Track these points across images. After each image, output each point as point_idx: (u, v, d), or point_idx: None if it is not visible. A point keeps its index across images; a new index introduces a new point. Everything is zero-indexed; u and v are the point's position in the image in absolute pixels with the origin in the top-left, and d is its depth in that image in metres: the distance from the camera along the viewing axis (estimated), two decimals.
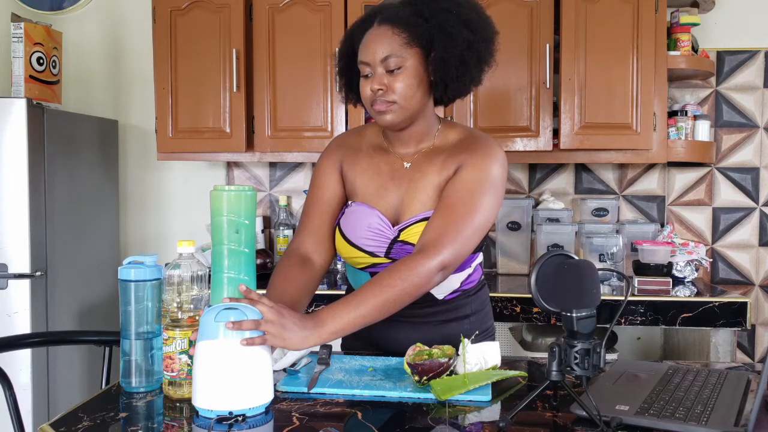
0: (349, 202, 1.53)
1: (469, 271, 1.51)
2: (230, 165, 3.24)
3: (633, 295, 2.44)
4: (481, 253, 1.56)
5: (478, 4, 1.45)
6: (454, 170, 1.44)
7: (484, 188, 1.41)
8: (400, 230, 1.45)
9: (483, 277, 1.62)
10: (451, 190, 1.41)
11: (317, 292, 1.57)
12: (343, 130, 2.77)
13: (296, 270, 1.46)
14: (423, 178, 1.47)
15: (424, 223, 1.42)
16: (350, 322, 1.25)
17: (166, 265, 1.26)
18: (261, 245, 3.14)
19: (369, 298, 1.27)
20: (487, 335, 1.60)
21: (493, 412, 1.18)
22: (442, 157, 1.47)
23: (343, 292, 1.66)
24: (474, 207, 1.39)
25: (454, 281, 1.49)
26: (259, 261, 2.88)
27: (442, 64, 1.38)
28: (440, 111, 2.70)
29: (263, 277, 2.79)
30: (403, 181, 1.48)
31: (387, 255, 1.46)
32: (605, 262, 2.70)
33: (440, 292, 1.50)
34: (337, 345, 1.61)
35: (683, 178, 3.03)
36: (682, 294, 2.48)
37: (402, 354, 1.40)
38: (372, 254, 1.47)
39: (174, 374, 1.22)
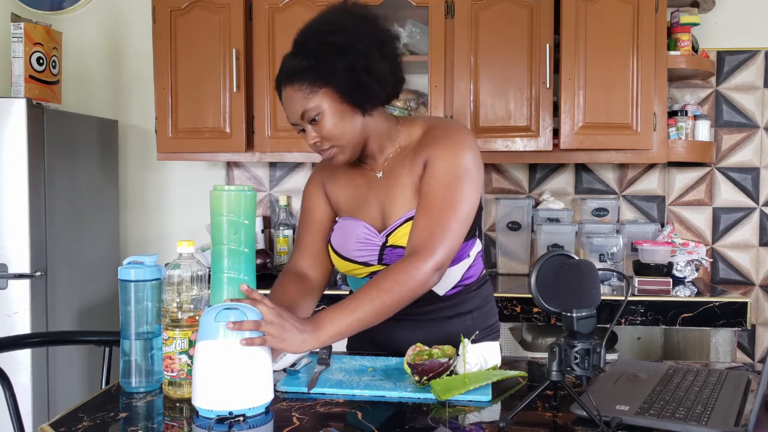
0: (337, 218, 1.56)
1: (468, 261, 1.51)
2: (230, 165, 3.24)
3: (633, 295, 2.44)
4: (479, 241, 1.55)
5: (348, 13, 1.41)
6: (423, 166, 1.44)
7: (459, 178, 1.40)
8: (387, 235, 1.47)
9: (485, 272, 1.62)
10: (426, 187, 1.42)
11: None
12: None
13: (293, 285, 1.50)
14: (397, 183, 1.48)
15: (407, 224, 1.44)
16: (348, 325, 1.26)
17: (166, 265, 1.26)
18: (261, 245, 3.14)
19: (366, 302, 1.28)
20: (491, 332, 1.61)
21: (493, 412, 1.18)
22: (410, 156, 1.47)
23: (343, 293, 1.67)
24: (454, 199, 1.39)
25: (455, 274, 1.50)
26: (259, 261, 2.88)
27: (346, 93, 1.38)
28: (440, 111, 2.71)
29: (263, 277, 2.80)
30: (380, 189, 1.50)
31: (380, 262, 1.47)
32: (605, 262, 2.70)
33: (441, 288, 1.50)
34: (341, 345, 1.62)
35: (683, 178, 3.03)
36: (682, 294, 2.48)
37: (405, 353, 1.40)
38: (365, 264, 1.48)
39: (174, 374, 1.22)
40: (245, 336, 1.13)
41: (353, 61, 1.36)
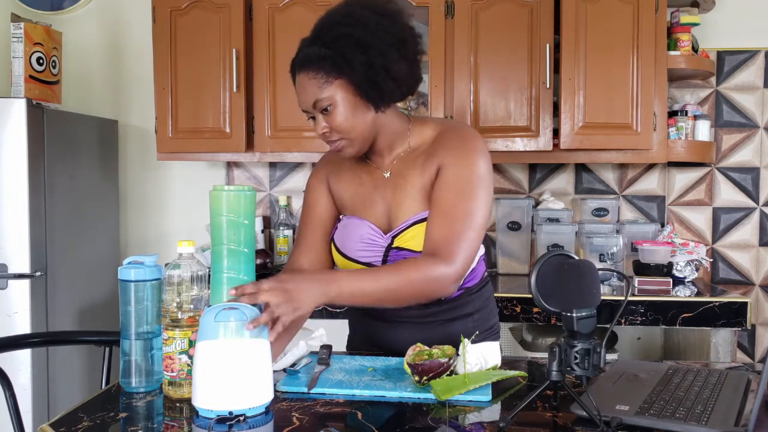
0: (341, 216, 1.55)
1: (472, 265, 1.51)
2: (230, 165, 3.24)
3: (633, 295, 2.43)
4: (482, 246, 1.56)
5: (370, 8, 1.39)
6: (436, 170, 1.43)
7: (475, 186, 1.40)
8: (393, 237, 1.45)
9: (486, 273, 1.61)
10: (440, 192, 1.41)
11: None
12: None
13: None
14: (405, 184, 1.46)
15: (416, 227, 1.43)
16: (360, 292, 1.27)
17: (166, 265, 1.26)
18: (261, 245, 3.14)
19: (386, 282, 1.29)
20: (491, 333, 1.60)
21: (493, 412, 1.18)
22: (421, 158, 1.46)
23: None
24: (471, 207, 1.38)
25: None
26: (258, 261, 2.88)
27: (360, 87, 1.37)
28: (440, 111, 2.71)
29: (263, 277, 2.80)
30: (387, 189, 1.49)
31: (384, 263, 1.46)
32: (605, 262, 2.70)
33: None
34: (340, 345, 1.62)
35: (683, 178, 3.03)
36: (682, 294, 2.48)
37: (405, 353, 1.40)
38: (369, 265, 1.47)
39: (174, 374, 1.22)
40: (264, 335, 1.14)
41: (371, 57, 1.34)
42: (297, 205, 3.20)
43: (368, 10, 1.38)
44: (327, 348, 1.44)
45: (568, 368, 1.12)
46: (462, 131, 1.47)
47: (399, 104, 2.90)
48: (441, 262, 1.33)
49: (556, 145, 2.69)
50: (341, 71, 1.35)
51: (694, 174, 3.03)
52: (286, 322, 1.21)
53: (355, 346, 1.63)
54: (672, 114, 2.81)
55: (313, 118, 1.41)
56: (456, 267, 1.34)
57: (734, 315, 2.39)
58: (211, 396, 1.11)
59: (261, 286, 1.19)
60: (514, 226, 2.97)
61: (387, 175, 1.49)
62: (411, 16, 1.46)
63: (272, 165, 3.22)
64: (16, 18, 2.70)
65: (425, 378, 1.24)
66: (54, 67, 2.82)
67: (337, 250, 1.51)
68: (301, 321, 1.43)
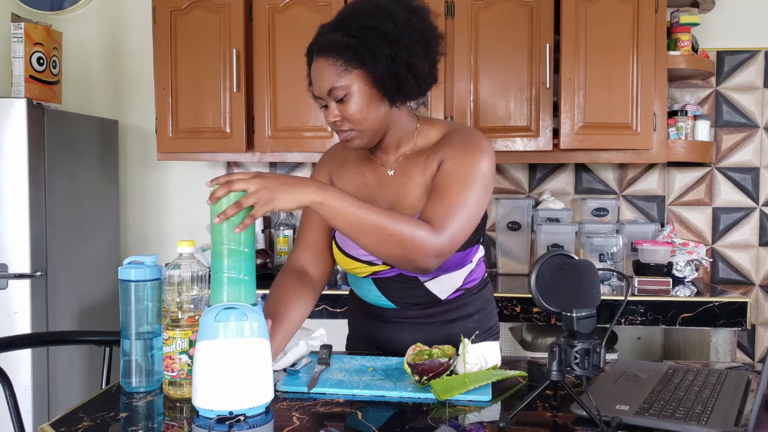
0: None
1: (471, 266, 1.51)
2: (230, 165, 3.24)
3: (633, 295, 2.44)
4: (482, 247, 1.55)
5: (400, 5, 1.38)
6: (437, 166, 1.42)
7: (474, 178, 1.38)
8: None
9: (486, 275, 1.61)
10: (440, 181, 1.39)
11: None
12: None
13: (293, 282, 1.47)
14: (409, 182, 1.46)
15: None
16: (345, 211, 1.24)
17: (166, 265, 1.26)
18: (261, 245, 3.14)
19: (374, 216, 1.26)
20: (491, 333, 1.60)
21: (493, 412, 1.18)
22: (424, 156, 1.46)
23: (343, 292, 1.66)
24: (467, 198, 1.36)
25: (457, 279, 1.49)
26: (259, 261, 2.88)
27: (379, 80, 1.36)
28: (440, 111, 2.71)
29: (263, 277, 2.80)
30: (390, 188, 1.48)
31: (384, 261, 1.46)
32: (605, 262, 2.70)
33: (443, 293, 1.50)
34: (340, 345, 1.62)
35: (683, 178, 3.03)
36: (682, 294, 2.48)
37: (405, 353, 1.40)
38: (370, 263, 1.47)
39: (174, 374, 1.22)
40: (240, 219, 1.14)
41: (397, 52, 1.33)
42: None
43: (398, 4, 1.38)
44: (327, 348, 1.44)
45: (568, 368, 1.12)
46: (468, 132, 1.46)
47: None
48: (430, 228, 1.31)
49: (556, 145, 2.69)
50: (362, 61, 1.34)
51: (694, 174, 3.03)
52: (258, 214, 1.18)
53: (355, 346, 1.63)
54: (672, 114, 2.82)
55: (326, 106, 1.40)
56: (442, 239, 1.31)
57: (734, 315, 2.39)
58: (211, 396, 1.11)
59: (238, 175, 1.17)
60: (514, 226, 2.97)
61: (391, 173, 1.49)
62: (437, 15, 1.45)
63: (272, 165, 3.22)
64: (16, 18, 2.70)
65: (425, 378, 1.24)
66: (54, 67, 2.82)
67: (339, 247, 1.50)
68: (301, 320, 1.43)
